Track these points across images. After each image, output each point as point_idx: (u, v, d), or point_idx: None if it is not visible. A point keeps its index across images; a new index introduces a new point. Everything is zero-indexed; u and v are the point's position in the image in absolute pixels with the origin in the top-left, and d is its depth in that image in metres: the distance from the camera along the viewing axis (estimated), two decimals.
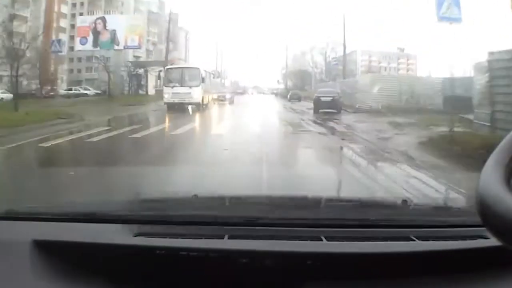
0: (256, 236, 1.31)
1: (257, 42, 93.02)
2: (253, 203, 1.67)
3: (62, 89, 39.36)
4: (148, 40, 46.17)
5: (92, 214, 1.46)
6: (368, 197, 3.32)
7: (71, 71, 43.30)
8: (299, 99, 36.19)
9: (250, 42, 78.24)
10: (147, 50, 47.11)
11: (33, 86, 34.64)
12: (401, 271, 1.19)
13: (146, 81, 40.98)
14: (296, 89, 42.26)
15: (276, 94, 52.46)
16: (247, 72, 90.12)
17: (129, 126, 13.50)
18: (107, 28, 36.80)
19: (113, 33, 36.66)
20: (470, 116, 12.68)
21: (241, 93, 52.34)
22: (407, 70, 52.27)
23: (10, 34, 26.56)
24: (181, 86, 21.73)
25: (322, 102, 20.56)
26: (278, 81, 58.90)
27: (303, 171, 6.09)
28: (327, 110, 19.86)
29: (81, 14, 40.71)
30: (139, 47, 38.84)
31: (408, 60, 53.60)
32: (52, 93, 35.55)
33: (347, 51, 50.96)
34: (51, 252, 1.20)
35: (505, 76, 10.34)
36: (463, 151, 7.46)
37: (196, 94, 21.72)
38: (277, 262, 1.20)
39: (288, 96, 38.16)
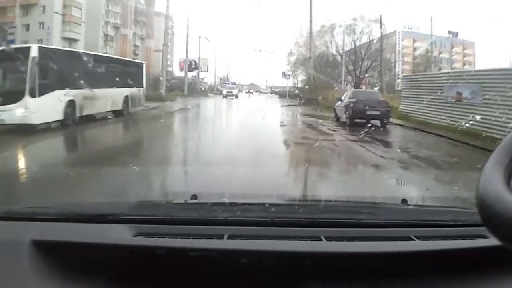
0: (255, 235, 1.32)
1: (254, 26, 72.68)
2: (252, 203, 1.67)
3: None
4: (106, 22, 34.81)
5: (92, 215, 1.46)
6: (368, 197, 3.32)
7: None
8: (384, 118, 13.25)
9: (245, 25, 61.75)
10: (106, 35, 35.13)
11: None
12: (401, 270, 1.19)
13: None
14: (308, 87, 24.81)
15: (281, 95, 34.25)
16: (243, 66, 69.62)
17: None
18: None
19: None
20: None
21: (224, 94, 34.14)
22: (464, 64, 37.39)
23: None
24: None
25: None
26: (284, 73, 35.80)
27: None
28: None
29: None
30: None
31: (464, 48, 38.24)
32: None
33: (385, 30, 33.00)
34: (51, 252, 1.19)
35: None
36: None
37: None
38: (276, 262, 1.19)
39: (350, 112, 13.66)
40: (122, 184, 4.40)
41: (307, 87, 29.28)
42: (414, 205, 1.76)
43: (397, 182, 5.97)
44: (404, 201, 1.75)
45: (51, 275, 1.15)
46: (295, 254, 1.21)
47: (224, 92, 35.37)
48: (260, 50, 37.43)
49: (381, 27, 30.63)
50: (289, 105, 24.22)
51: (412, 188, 5.29)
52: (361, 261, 1.22)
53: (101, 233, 1.33)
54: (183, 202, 1.74)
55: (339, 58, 33.91)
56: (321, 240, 1.28)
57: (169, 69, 39.16)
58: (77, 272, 1.17)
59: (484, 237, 1.21)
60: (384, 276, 1.19)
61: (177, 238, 1.30)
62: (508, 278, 1.14)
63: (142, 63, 19.14)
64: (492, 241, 0.63)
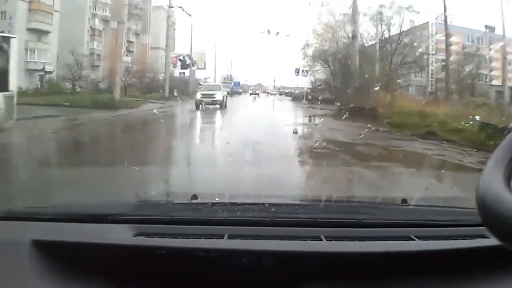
0: (255, 235, 1.32)
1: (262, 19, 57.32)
2: (253, 203, 1.67)
3: None
4: (93, 15, 30.42)
5: (92, 214, 1.46)
6: (368, 197, 3.32)
7: None
8: None
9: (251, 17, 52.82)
10: (92, 29, 30.45)
11: None
12: (401, 270, 1.19)
13: None
14: (333, 87, 20.08)
15: (295, 98, 27.65)
16: (249, 64, 54.31)
17: None
18: None
19: None
20: None
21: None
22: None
23: None
24: None
25: None
26: (298, 70, 26.61)
27: None
28: None
29: None
30: None
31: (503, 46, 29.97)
32: None
33: (412, 23, 26.18)
34: (51, 252, 1.19)
35: None
36: None
37: None
38: (277, 262, 1.19)
39: None
40: (122, 184, 4.39)
41: (346, 87, 19.47)
42: (414, 205, 1.75)
43: (397, 182, 5.96)
44: (404, 201, 1.75)
45: (51, 275, 1.15)
46: (295, 254, 1.21)
47: (198, 96, 19.57)
48: (269, 32, 27.70)
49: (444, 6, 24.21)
50: (321, 117, 14.10)
51: (412, 188, 5.29)
52: (361, 261, 1.22)
53: (101, 233, 1.33)
54: (183, 202, 1.74)
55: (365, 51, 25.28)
56: (321, 240, 1.28)
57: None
58: (77, 272, 1.17)
59: (484, 237, 1.21)
60: (384, 276, 1.18)
61: (177, 238, 1.30)
62: (509, 278, 1.14)
63: (7, 38, 9.73)
64: (492, 241, 0.63)
